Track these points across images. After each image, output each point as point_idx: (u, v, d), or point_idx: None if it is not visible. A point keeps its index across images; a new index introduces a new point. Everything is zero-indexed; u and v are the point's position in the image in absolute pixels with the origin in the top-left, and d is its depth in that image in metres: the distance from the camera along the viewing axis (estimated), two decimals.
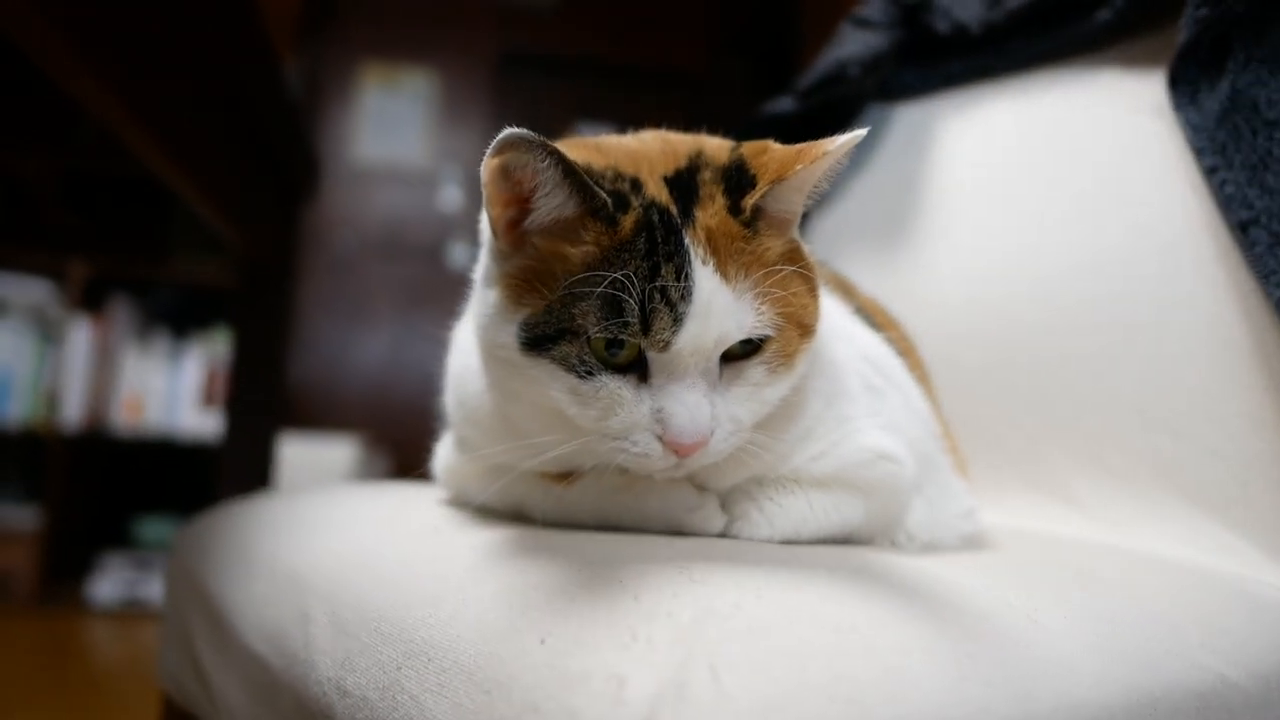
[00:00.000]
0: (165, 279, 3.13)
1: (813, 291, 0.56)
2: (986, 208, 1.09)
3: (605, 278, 0.50)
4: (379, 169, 3.79)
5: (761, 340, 0.53)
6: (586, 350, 0.51)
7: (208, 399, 2.98)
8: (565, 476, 0.62)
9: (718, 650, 0.39)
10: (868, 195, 1.25)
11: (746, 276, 0.52)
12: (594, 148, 0.58)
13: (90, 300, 2.92)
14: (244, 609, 0.69)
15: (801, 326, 0.55)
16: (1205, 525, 0.79)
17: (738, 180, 0.54)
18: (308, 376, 3.62)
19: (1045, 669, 0.45)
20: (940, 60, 1.22)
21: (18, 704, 1.88)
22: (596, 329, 0.50)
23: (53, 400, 2.84)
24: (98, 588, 2.77)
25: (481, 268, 0.59)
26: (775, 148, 0.56)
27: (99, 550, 2.87)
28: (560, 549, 0.53)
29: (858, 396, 0.65)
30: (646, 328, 0.50)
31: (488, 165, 0.50)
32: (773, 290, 0.53)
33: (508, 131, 0.48)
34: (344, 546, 0.66)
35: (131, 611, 2.72)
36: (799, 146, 0.55)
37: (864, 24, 1.26)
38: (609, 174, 0.54)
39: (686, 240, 0.51)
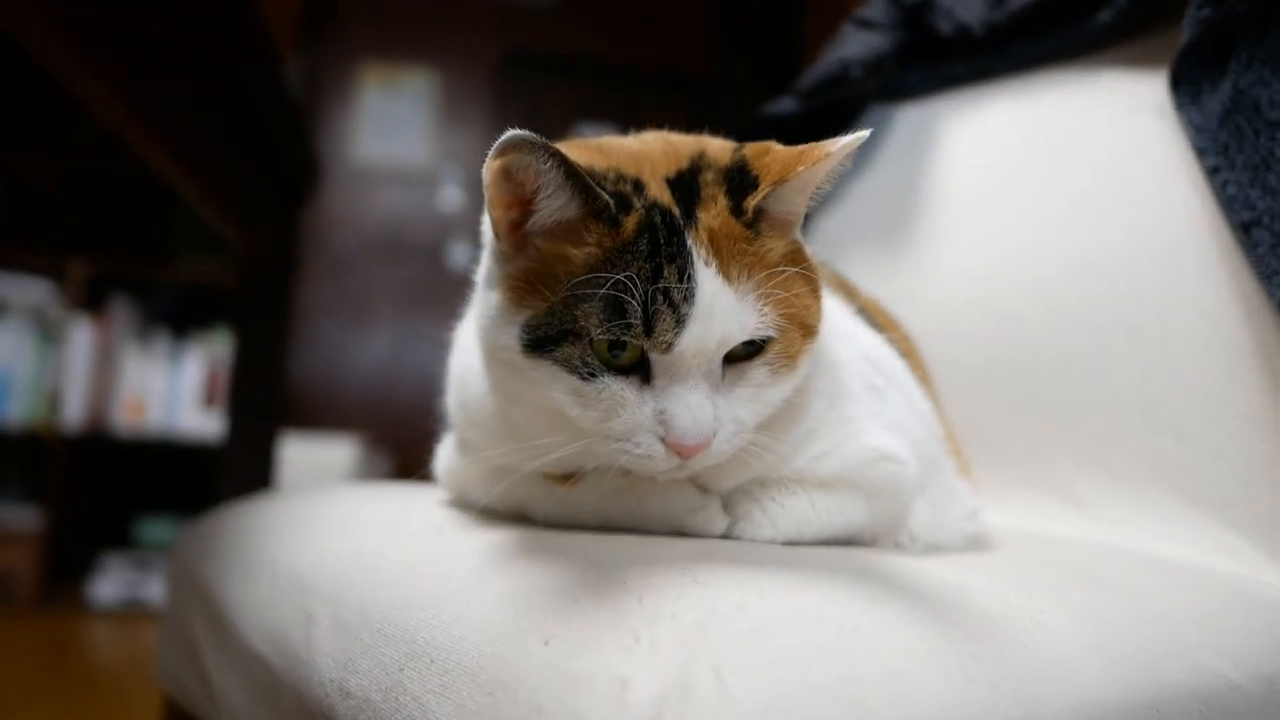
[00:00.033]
0: (166, 279, 3.13)
1: (815, 292, 0.56)
2: (988, 208, 1.09)
3: (608, 279, 0.50)
4: (379, 169, 3.79)
5: (764, 341, 0.53)
6: (589, 352, 0.51)
7: (208, 399, 2.98)
8: (567, 478, 0.61)
9: (721, 652, 0.39)
10: (869, 196, 1.25)
11: (749, 278, 0.52)
12: (596, 149, 0.58)
13: (91, 300, 2.92)
14: (245, 610, 0.69)
15: (804, 327, 0.55)
16: (1206, 525, 0.79)
17: (740, 181, 0.54)
18: (309, 377, 3.62)
19: (1048, 670, 0.45)
20: (942, 61, 1.22)
21: (18, 704, 1.88)
22: (599, 330, 0.50)
23: (53, 400, 2.84)
24: (98, 588, 2.77)
25: (483, 269, 0.59)
26: (777, 149, 0.56)
27: (100, 551, 2.87)
28: (563, 550, 0.53)
29: (860, 397, 0.65)
30: (649, 329, 0.50)
31: (490, 167, 0.50)
32: (775, 291, 0.53)
33: (510, 133, 0.48)
34: (346, 547, 0.66)
35: (132, 612, 2.72)
36: (801, 148, 0.55)
37: (866, 25, 1.26)
38: (611, 175, 0.54)
39: (689, 241, 0.51)
